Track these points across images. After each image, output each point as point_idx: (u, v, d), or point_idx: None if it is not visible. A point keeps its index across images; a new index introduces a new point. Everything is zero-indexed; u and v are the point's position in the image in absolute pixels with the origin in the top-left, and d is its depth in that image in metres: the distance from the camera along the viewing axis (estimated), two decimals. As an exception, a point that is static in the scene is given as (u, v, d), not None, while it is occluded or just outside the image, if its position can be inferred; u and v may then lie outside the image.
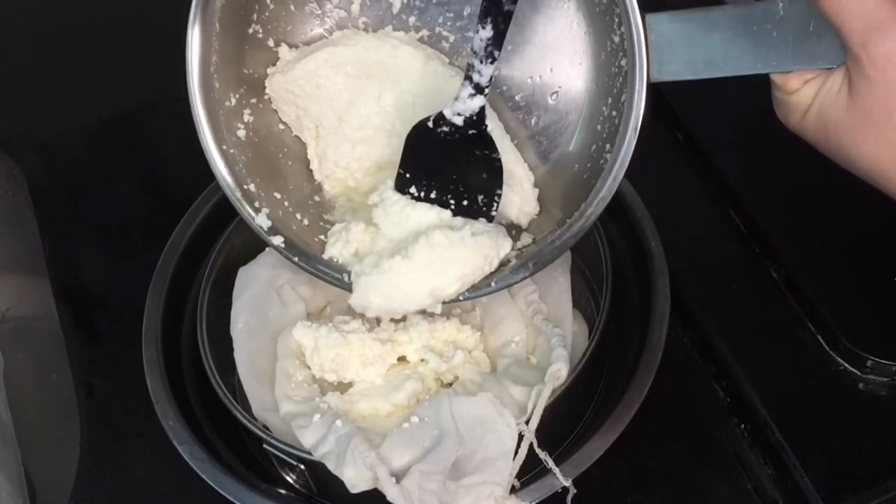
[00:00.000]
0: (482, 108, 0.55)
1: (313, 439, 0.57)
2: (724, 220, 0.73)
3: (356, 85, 0.59)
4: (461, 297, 0.56)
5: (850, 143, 0.47)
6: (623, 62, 0.51)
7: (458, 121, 0.55)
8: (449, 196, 0.57)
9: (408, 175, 0.57)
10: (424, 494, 0.53)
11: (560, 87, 0.58)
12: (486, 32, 0.52)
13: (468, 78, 0.54)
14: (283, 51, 0.60)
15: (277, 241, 0.58)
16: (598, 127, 0.55)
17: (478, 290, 0.57)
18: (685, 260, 0.69)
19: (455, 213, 0.57)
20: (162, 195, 0.81)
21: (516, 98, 0.59)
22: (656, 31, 0.49)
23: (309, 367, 0.63)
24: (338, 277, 0.59)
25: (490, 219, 0.57)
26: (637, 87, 0.49)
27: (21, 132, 0.86)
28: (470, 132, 0.55)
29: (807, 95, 0.48)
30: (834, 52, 0.47)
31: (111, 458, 0.65)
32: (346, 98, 0.59)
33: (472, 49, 0.53)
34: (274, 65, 0.60)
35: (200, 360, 0.62)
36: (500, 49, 0.52)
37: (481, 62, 0.53)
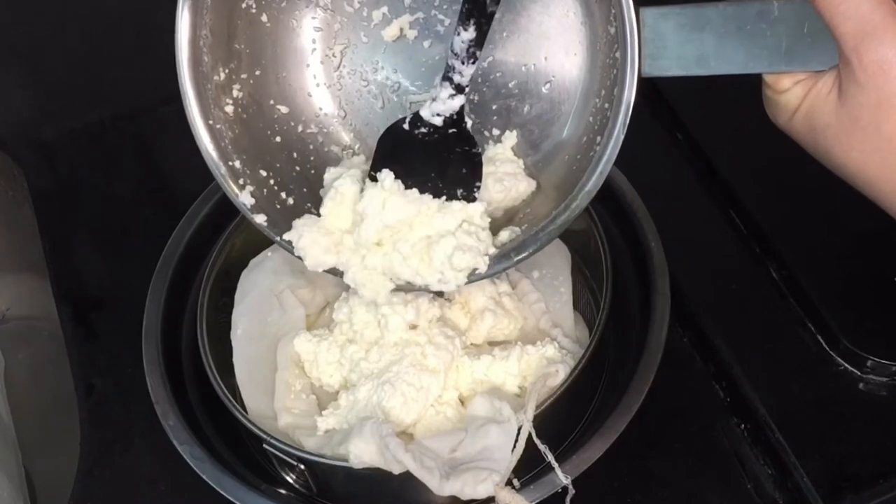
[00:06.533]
0: (462, 107, 0.55)
1: (315, 444, 0.58)
2: (724, 220, 0.73)
3: None
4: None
5: (837, 147, 0.47)
6: (618, 54, 0.51)
7: (438, 121, 0.56)
8: (427, 193, 0.56)
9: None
10: (425, 459, 0.54)
11: (554, 77, 0.58)
12: (468, 34, 0.52)
13: (448, 79, 0.54)
14: None
15: (260, 219, 0.58)
16: (591, 118, 0.55)
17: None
18: (685, 260, 0.68)
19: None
20: (162, 195, 0.81)
21: (509, 85, 0.59)
22: (649, 26, 0.49)
23: (309, 377, 0.64)
24: None
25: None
26: (628, 82, 0.49)
27: (21, 132, 0.86)
28: (450, 131, 0.56)
29: (797, 96, 0.48)
30: (826, 54, 0.46)
31: (111, 458, 0.65)
32: None
33: (451, 50, 0.53)
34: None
35: (200, 360, 0.62)
36: (481, 49, 0.53)
37: (462, 63, 0.53)
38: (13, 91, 0.88)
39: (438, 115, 0.56)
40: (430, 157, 0.56)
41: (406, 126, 0.56)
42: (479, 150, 0.57)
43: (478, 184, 0.56)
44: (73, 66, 0.90)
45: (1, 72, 0.90)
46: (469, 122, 0.56)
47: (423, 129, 0.56)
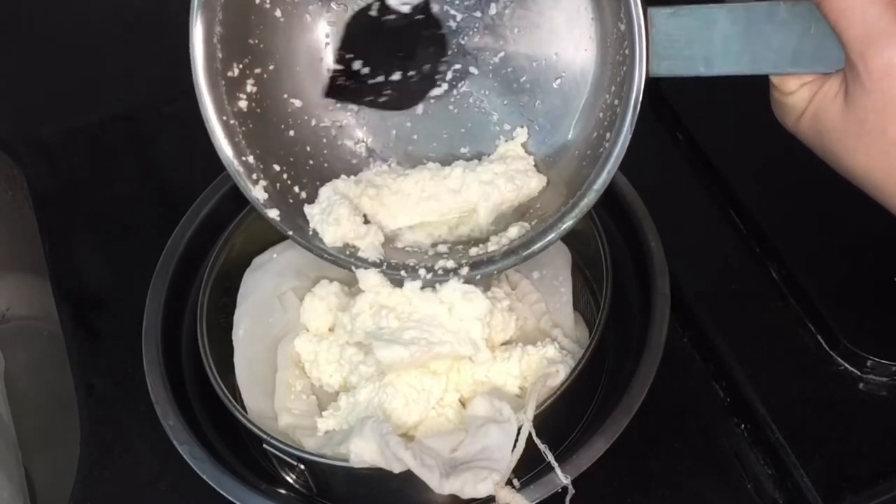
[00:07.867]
0: None
1: (315, 444, 0.58)
2: (724, 220, 0.73)
3: None
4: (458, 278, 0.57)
5: (843, 149, 0.47)
6: (628, 51, 0.51)
7: (405, 9, 0.56)
8: (394, 68, 0.58)
9: (349, 56, 0.58)
10: (425, 458, 0.54)
11: (565, 73, 0.58)
12: None
13: None
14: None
15: (273, 213, 0.58)
16: (601, 114, 0.55)
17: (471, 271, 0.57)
18: (685, 260, 0.68)
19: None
20: (162, 195, 0.81)
21: (521, 80, 0.59)
22: (657, 27, 0.49)
23: (309, 377, 0.64)
24: (332, 254, 0.59)
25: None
26: (636, 83, 0.49)
27: (21, 132, 0.86)
28: (416, 17, 0.56)
29: (803, 98, 0.48)
30: (833, 57, 0.46)
31: (111, 458, 0.65)
32: None
33: None
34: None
35: (200, 360, 0.62)
36: None
37: None
38: (13, 91, 0.88)
39: (406, 3, 0.56)
40: (397, 40, 0.57)
41: (374, 13, 0.57)
42: (444, 31, 0.57)
43: (444, 59, 0.57)
44: (73, 65, 0.90)
45: (1, 72, 0.90)
46: (447, 29, 0.57)
47: (390, 17, 0.57)
